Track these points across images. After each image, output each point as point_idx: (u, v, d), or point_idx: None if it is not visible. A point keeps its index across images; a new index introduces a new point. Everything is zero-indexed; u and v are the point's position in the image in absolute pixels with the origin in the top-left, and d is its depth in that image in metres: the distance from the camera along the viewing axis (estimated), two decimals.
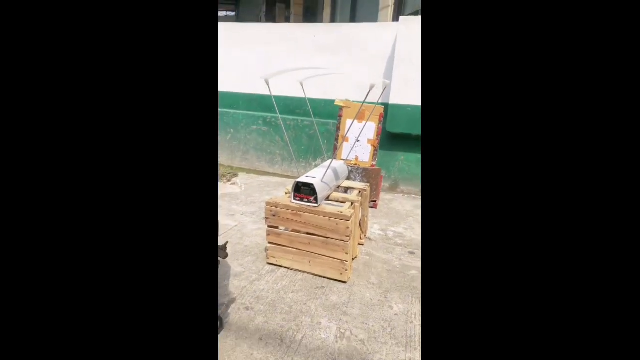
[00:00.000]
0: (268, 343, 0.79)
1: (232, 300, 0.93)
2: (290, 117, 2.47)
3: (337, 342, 0.81)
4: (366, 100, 0.96)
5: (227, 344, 0.78)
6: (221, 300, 0.93)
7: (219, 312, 0.87)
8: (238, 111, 2.64)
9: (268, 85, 1.04)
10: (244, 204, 1.73)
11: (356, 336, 0.83)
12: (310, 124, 2.42)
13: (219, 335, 0.81)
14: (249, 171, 2.53)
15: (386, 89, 1.50)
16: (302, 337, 0.82)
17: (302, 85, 1.24)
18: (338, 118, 1.88)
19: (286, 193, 1.17)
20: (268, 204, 1.10)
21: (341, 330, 0.85)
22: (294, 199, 1.08)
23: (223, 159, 2.72)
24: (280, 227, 1.13)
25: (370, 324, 0.88)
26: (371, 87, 0.90)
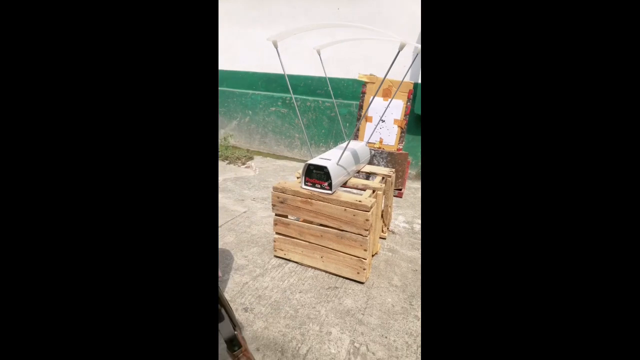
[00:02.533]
0: (266, 355, 0.66)
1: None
2: (311, 98, 2.30)
3: (349, 359, 0.66)
4: (389, 75, 0.78)
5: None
6: None
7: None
8: (257, 92, 2.51)
9: (277, 48, 0.87)
10: (255, 189, 1.61)
11: (373, 353, 0.68)
12: (331, 105, 2.24)
13: None
14: (266, 155, 2.41)
15: (415, 61, 1.30)
16: (307, 351, 0.68)
17: (319, 54, 1.07)
18: (361, 95, 1.69)
19: (297, 177, 1.02)
20: (275, 189, 0.95)
21: (355, 344, 0.70)
22: (305, 184, 0.92)
23: (241, 142, 2.62)
24: (290, 216, 0.98)
25: (392, 338, 0.72)
26: (401, 47, 0.72)
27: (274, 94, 2.46)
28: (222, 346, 0.52)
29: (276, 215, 0.98)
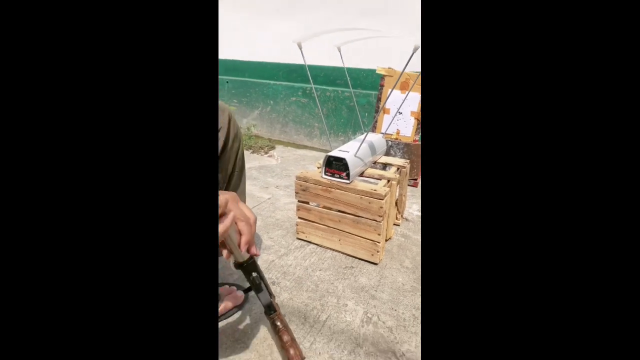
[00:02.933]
0: (291, 320, 0.77)
1: None
2: (330, 88, 2.36)
3: (362, 326, 0.77)
4: (407, 69, 0.84)
5: (252, 317, 0.78)
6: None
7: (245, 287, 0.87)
8: (278, 82, 2.59)
9: (301, 49, 0.96)
10: (278, 177, 1.72)
11: (384, 322, 0.78)
12: (350, 95, 2.29)
13: (244, 308, 0.81)
14: (286, 144, 2.51)
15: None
16: (327, 318, 0.79)
17: (339, 51, 1.14)
18: (379, 88, 1.74)
19: (317, 167, 1.12)
20: (298, 178, 1.05)
21: (368, 314, 0.81)
22: (325, 174, 1.02)
23: (262, 131, 2.72)
24: (311, 203, 1.08)
25: (400, 311, 0.82)
26: (415, 49, 0.78)
27: (295, 84, 2.53)
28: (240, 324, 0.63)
29: (299, 201, 1.09)
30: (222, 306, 0.75)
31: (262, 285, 0.58)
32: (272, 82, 2.62)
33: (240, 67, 2.76)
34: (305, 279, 0.93)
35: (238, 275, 0.92)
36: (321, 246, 1.08)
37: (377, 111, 1.75)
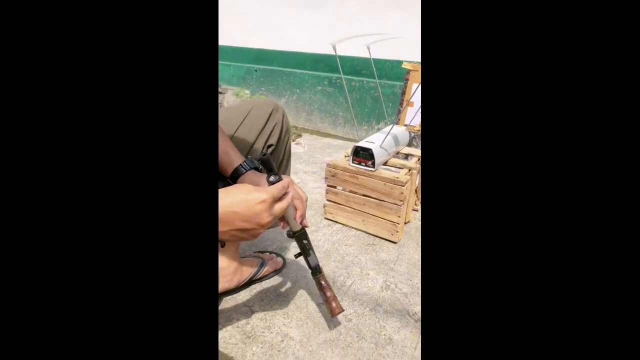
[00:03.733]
0: None
1: (293, 246, 1.08)
2: (356, 78, 2.45)
3: (382, 291, 0.91)
4: None
5: (289, 279, 0.94)
6: (284, 244, 1.09)
7: (283, 254, 1.03)
8: (305, 71, 2.70)
9: (335, 50, 1.07)
10: (306, 164, 1.86)
11: (400, 289, 0.92)
12: (376, 85, 2.38)
13: (281, 273, 0.97)
14: (312, 132, 2.64)
15: None
16: (352, 283, 0.94)
17: (368, 49, 1.24)
18: (404, 81, 1.83)
19: (345, 156, 1.25)
20: (328, 165, 1.19)
21: (387, 282, 0.95)
22: (352, 162, 1.15)
23: (289, 119, 2.85)
24: (338, 187, 1.22)
25: (415, 282, 0.96)
26: None
27: (321, 73, 2.63)
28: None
29: (328, 186, 1.23)
30: (265, 270, 0.92)
31: (311, 250, 0.74)
32: (299, 71, 2.73)
33: (269, 57, 2.87)
34: (332, 252, 1.08)
35: (276, 246, 1.08)
36: (346, 225, 1.22)
37: (401, 104, 1.84)
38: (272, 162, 0.57)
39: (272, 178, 0.56)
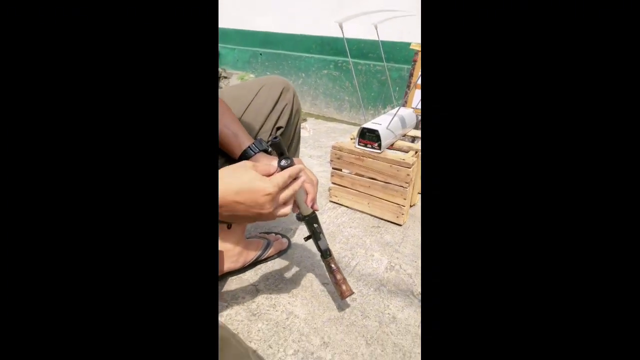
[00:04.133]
0: None
1: (300, 229, 1.09)
2: (362, 61, 2.40)
3: (386, 272, 0.92)
4: None
5: (294, 259, 0.95)
6: (289, 226, 1.10)
7: (288, 235, 1.03)
8: (310, 55, 2.65)
9: (342, 29, 1.04)
10: (311, 148, 1.85)
11: (405, 270, 0.92)
12: (382, 69, 2.33)
13: (287, 253, 0.97)
14: (317, 117, 2.62)
15: None
16: (356, 264, 0.94)
17: (376, 29, 1.21)
18: (412, 63, 1.79)
19: (351, 138, 1.23)
20: (334, 147, 1.18)
21: (391, 263, 0.95)
22: (358, 144, 1.13)
23: None
24: (344, 170, 1.21)
25: (419, 263, 0.95)
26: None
27: (327, 57, 2.58)
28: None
29: (333, 168, 1.22)
30: (270, 250, 0.92)
31: (321, 234, 0.74)
32: (304, 54, 2.68)
33: (274, 40, 2.82)
34: (337, 234, 1.08)
35: (282, 227, 1.08)
36: (351, 208, 1.22)
37: (408, 86, 1.81)
38: (283, 146, 0.54)
39: (283, 162, 0.53)
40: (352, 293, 0.76)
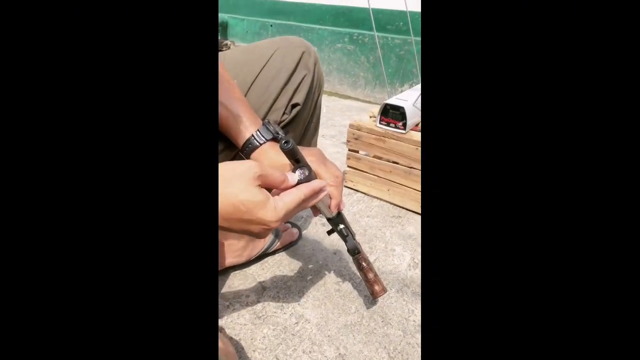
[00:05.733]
0: (341, 258, 0.83)
1: (310, 216, 0.98)
2: (380, 34, 2.21)
3: (409, 270, 0.81)
4: None
5: (305, 253, 0.84)
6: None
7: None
8: (324, 27, 2.47)
9: None
10: (324, 127, 1.72)
11: None
12: (401, 42, 2.14)
13: (297, 245, 0.87)
14: (330, 94, 2.46)
15: None
16: (375, 260, 0.83)
17: None
18: None
19: (370, 117, 1.10)
20: (351, 126, 1.05)
21: (415, 260, 0.84)
22: (380, 123, 1.00)
23: None
24: (361, 152, 1.09)
25: None
26: None
27: (341, 29, 2.39)
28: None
29: (349, 150, 1.09)
30: (279, 242, 0.82)
31: (348, 232, 0.63)
32: (317, 26, 2.50)
33: (285, 10, 2.63)
34: (353, 224, 0.96)
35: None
36: (368, 195, 1.10)
37: None
38: (298, 153, 0.42)
39: (299, 174, 0.42)
40: (386, 292, 0.66)
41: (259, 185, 0.36)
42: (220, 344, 0.49)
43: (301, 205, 0.40)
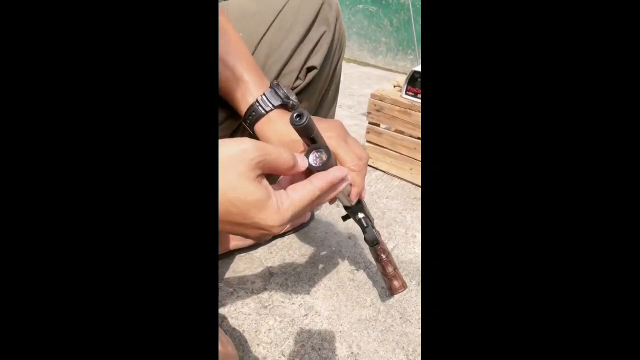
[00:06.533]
0: (357, 244, 0.75)
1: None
2: None
3: None
4: None
5: (317, 236, 0.77)
6: None
7: None
8: None
9: None
10: (341, 96, 1.59)
11: None
12: None
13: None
14: (348, 60, 2.29)
15: None
16: (394, 247, 0.76)
17: None
18: None
19: (395, 86, 0.98)
20: (373, 96, 0.93)
21: None
22: (406, 93, 0.88)
23: None
24: (382, 125, 0.98)
25: None
26: None
27: None
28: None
29: (369, 123, 0.98)
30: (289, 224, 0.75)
31: (368, 222, 0.54)
32: None
33: None
34: (370, 204, 0.88)
35: None
36: (388, 173, 1.01)
37: None
38: (313, 129, 0.32)
39: (312, 159, 0.31)
40: (406, 288, 0.58)
41: (259, 175, 0.27)
42: (219, 347, 0.43)
43: (315, 202, 0.31)
